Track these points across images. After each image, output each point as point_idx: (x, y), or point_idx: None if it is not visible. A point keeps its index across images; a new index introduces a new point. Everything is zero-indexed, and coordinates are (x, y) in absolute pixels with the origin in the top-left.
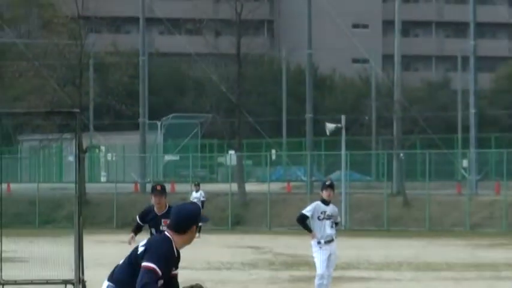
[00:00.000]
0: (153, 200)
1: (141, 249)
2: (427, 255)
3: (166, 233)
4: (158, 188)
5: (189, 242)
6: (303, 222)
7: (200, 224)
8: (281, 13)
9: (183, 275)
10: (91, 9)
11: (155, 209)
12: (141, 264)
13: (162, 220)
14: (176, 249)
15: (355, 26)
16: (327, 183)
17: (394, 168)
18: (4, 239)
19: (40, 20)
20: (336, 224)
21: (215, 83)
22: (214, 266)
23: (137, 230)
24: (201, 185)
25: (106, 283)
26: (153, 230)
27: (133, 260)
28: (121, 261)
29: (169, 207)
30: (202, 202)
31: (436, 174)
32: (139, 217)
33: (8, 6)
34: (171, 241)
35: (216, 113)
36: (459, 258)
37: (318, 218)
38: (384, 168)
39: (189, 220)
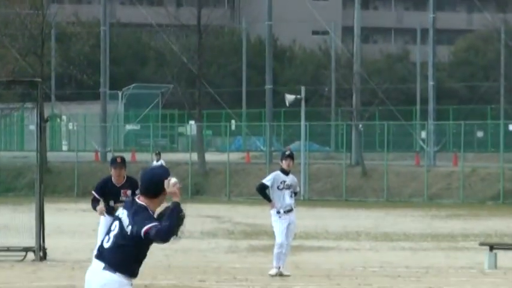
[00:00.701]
0: (112, 172)
1: (126, 224)
2: (385, 226)
3: (137, 200)
4: (118, 160)
5: (160, 204)
6: (263, 191)
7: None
8: None
9: None
10: None
11: (113, 180)
12: (133, 238)
13: (122, 191)
14: (152, 214)
15: None
16: (287, 153)
17: (353, 139)
18: None
19: None
20: (295, 193)
21: (176, 54)
22: None
23: (97, 204)
24: (161, 154)
25: (100, 264)
26: (112, 202)
27: (121, 239)
28: (106, 243)
29: (127, 178)
30: None
31: (395, 145)
32: (97, 191)
33: None
34: (147, 208)
35: (177, 84)
36: (417, 229)
37: (278, 188)
38: (343, 139)
39: (159, 184)
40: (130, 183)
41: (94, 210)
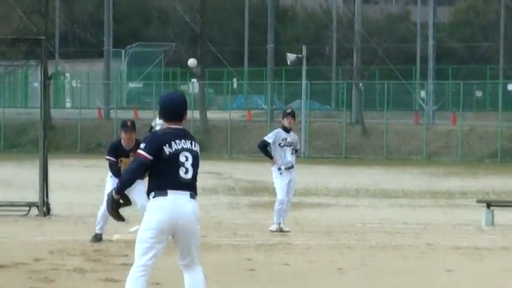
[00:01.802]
0: (123, 136)
1: (198, 150)
2: (384, 183)
3: (179, 126)
4: (129, 124)
5: None
6: (264, 148)
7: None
8: None
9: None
10: None
11: (123, 143)
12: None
13: (131, 154)
14: None
15: None
16: (288, 111)
17: (353, 97)
18: None
19: None
20: (296, 151)
21: (179, 13)
22: None
23: (116, 167)
24: None
25: (186, 194)
26: (120, 164)
27: (198, 167)
28: (185, 174)
29: (136, 140)
30: None
31: (395, 104)
32: (111, 155)
33: None
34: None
35: (179, 42)
36: (415, 186)
37: (279, 145)
38: (344, 98)
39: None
40: (137, 145)
41: (115, 176)
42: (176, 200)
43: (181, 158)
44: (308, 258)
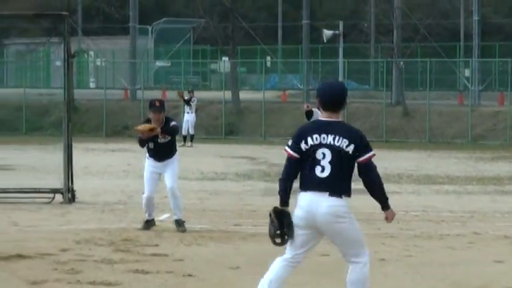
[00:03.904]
0: (152, 116)
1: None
2: (428, 168)
3: (329, 119)
4: (157, 104)
5: None
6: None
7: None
8: None
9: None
10: None
11: (152, 123)
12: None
13: (160, 136)
14: None
15: None
16: None
17: (393, 77)
18: None
19: None
20: None
21: None
22: (208, 177)
23: (145, 143)
24: (193, 92)
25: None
26: (151, 144)
27: (345, 160)
28: (321, 172)
29: (166, 119)
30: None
31: (437, 83)
32: None
33: None
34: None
35: (209, 18)
36: (461, 171)
37: None
38: (383, 77)
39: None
40: (166, 122)
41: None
42: (311, 199)
43: (318, 155)
44: None
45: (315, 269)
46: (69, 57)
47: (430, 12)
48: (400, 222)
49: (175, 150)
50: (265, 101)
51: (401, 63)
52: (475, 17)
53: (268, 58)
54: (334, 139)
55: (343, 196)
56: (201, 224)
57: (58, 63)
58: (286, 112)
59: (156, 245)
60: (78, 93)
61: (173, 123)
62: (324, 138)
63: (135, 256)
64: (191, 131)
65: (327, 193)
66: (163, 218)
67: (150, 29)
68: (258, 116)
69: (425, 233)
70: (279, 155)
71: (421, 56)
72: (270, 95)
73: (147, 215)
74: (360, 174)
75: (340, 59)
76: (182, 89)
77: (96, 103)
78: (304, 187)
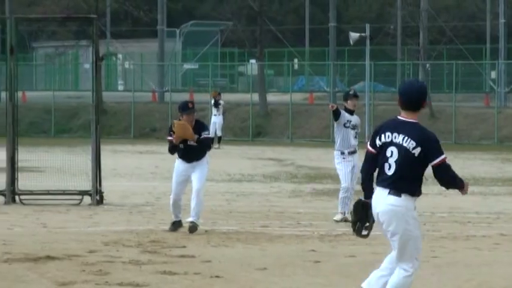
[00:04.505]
0: (184, 118)
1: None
2: (454, 169)
3: (405, 119)
4: (190, 105)
5: None
6: (336, 113)
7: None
8: None
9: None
10: None
11: None
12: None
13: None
14: None
15: None
16: (351, 92)
17: (419, 79)
18: (19, 148)
19: None
20: (357, 134)
21: None
22: (235, 178)
23: (176, 148)
24: (221, 94)
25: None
26: (181, 145)
27: (411, 160)
28: (388, 170)
29: (196, 121)
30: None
31: (463, 85)
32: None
33: None
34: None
35: (236, 21)
36: (487, 173)
37: (344, 125)
38: None
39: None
40: (199, 127)
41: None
42: (376, 195)
43: (387, 153)
44: (374, 250)
45: (340, 271)
46: (97, 60)
47: (456, 15)
48: (426, 224)
49: (205, 153)
50: (292, 103)
51: (428, 65)
52: (502, 19)
53: (296, 60)
54: (403, 139)
55: (402, 195)
56: (228, 226)
57: (87, 66)
58: (313, 114)
59: (184, 247)
60: (106, 95)
61: (206, 133)
62: (395, 137)
63: (162, 257)
64: (218, 133)
65: (388, 190)
66: (188, 220)
67: (178, 31)
68: (285, 118)
69: (452, 234)
70: (305, 156)
71: (447, 58)
72: (297, 97)
73: (174, 216)
74: (434, 176)
75: (367, 62)
76: (210, 91)
77: (124, 105)
78: (376, 182)
